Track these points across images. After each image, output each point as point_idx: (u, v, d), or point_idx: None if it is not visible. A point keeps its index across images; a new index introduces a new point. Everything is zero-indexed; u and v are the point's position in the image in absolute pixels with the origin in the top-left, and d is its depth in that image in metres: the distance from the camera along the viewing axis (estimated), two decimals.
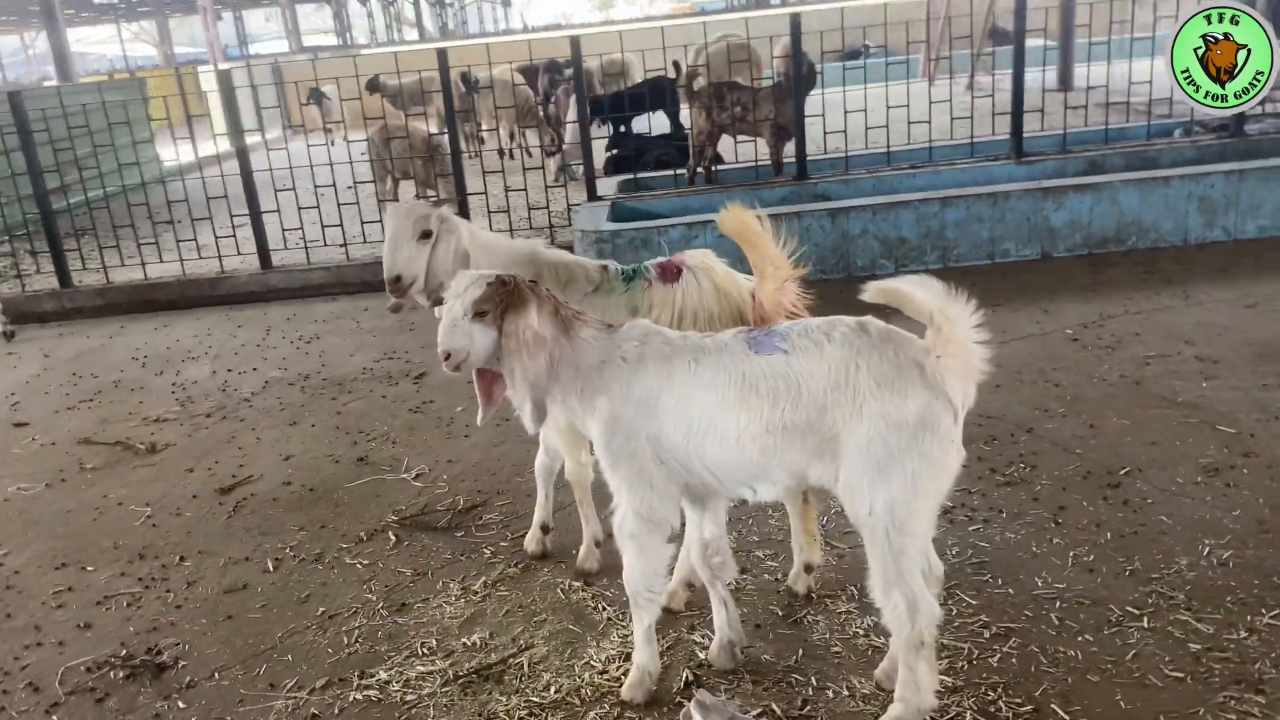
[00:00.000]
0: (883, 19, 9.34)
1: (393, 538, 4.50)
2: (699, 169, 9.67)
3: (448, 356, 3.03)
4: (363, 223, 9.43)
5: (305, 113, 11.95)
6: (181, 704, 3.49)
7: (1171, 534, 3.92)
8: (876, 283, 2.77)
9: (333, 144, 12.26)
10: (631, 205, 8.81)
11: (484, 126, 15.25)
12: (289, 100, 19.05)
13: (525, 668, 3.49)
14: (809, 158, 8.95)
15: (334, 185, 9.27)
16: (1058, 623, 3.46)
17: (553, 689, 3.36)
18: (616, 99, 12.20)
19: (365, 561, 4.32)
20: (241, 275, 9.26)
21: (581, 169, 10.84)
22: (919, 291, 2.67)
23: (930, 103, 8.94)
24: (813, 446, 2.79)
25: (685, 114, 12.45)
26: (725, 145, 9.97)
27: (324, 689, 3.49)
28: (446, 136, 9.28)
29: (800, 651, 3.44)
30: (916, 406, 2.67)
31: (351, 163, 9.56)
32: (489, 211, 9.42)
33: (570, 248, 7.46)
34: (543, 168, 11.63)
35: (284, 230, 9.33)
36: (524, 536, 4.34)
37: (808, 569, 3.71)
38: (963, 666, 3.27)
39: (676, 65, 11.25)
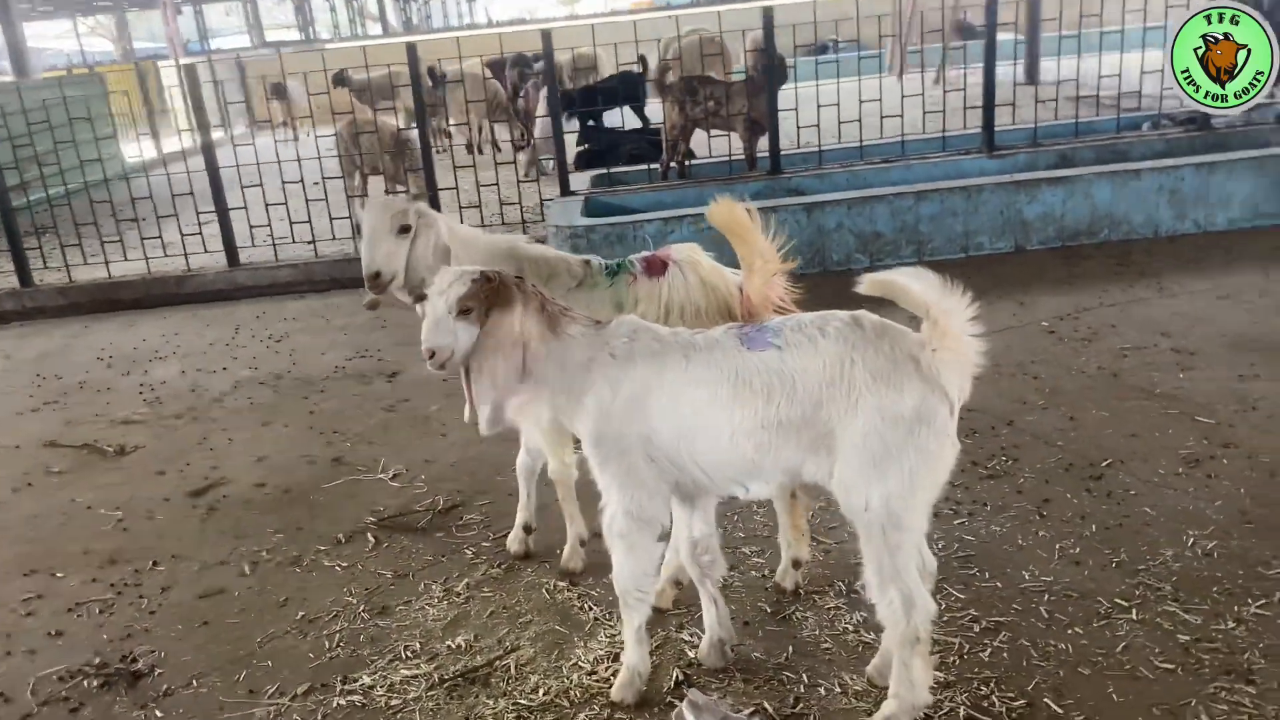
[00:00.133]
0: (851, 13, 9.31)
1: (372, 539, 4.42)
2: (671, 164, 9.64)
3: (432, 355, 2.97)
4: (331, 219, 9.29)
5: (268, 108, 11.80)
6: (159, 713, 3.40)
7: (1155, 525, 3.94)
8: (871, 275, 2.74)
9: (295, 139, 12.11)
10: (605, 200, 8.76)
11: (452, 121, 15.12)
12: (253, 96, 18.80)
13: (512, 670, 3.43)
14: (782, 152, 8.93)
15: (301, 181, 9.14)
16: (1047, 616, 3.45)
17: (541, 691, 3.30)
18: (584, 93, 12.13)
19: (344, 564, 4.24)
20: (208, 273, 9.10)
21: (552, 164, 10.78)
22: (914, 284, 2.64)
23: (903, 96, 8.94)
24: (807, 442, 2.76)
25: (651, 108, 12.47)
26: (698, 140, 9.92)
27: (306, 695, 3.42)
28: (415, 131, 9.17)
29: (790, 648, 3.41)
30: (913, 400, 2.64)
31: (320, 158, 9.41)
32: (460, 207, 9.30)
33: (544, 242, 7.39)
34: (514, 162, 11.53)
35: (251, 228, 9.18)
36: (506, 537, 4.28)
37: (796, 565, 3.69)
38: (954, 661, 3.25)
39: (643, 60, 11.20)
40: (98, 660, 3.70)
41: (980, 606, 3.53)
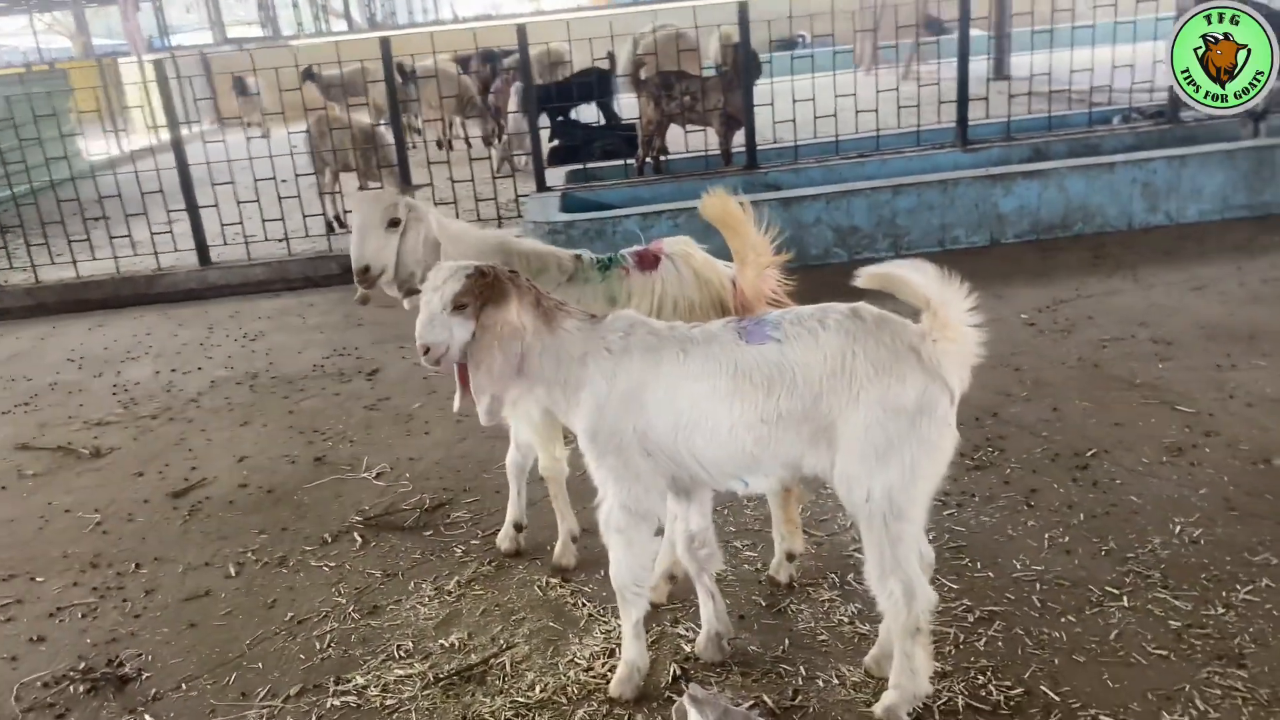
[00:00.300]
0: (818, 8, 9.35)
1: (359, 539, 4.38)
2: (647, 159, 9.62)
3: (427, 351, 2.94)
4: (304, 216, 9.19)
5: (230, 105, 11.64)
6: (149, 717, 3.34)
7: (1142, 513, 3.98)
8: (869, 269, 2.74)
9: (263, 135, 11.98)
10: (582, 196, 8.73)
11: (421, 117, 15.01)
12: (218, 93, 18.55)
13: (508, 667, 3.41)
14: (757, 147, 8.95)
15: (274, 179, 9.03)
16: (1040, 604, 3.48)
17: (538, 688, 3.28)
18: (554, 89, 12.06)
19: (332, 564, 4.19)
20: (179, 272, 8.97)
21: (523, 159, 10.73)
22: (915, 276, 2.65)
23: (877, 91, 8.98)
24: (808, 435, 2.76)
25: (619, 104, 12.44)
26: (674, 135, 9.91)
27: (299, 696, 3.37)
28: (386, 127, 9.09)
29: (787, 641, 3.41)
30: (914, 391, 2.65)
31: (292, 154, 9.31)
32: (435, 203, 9.23)
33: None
34: (489, 158, 11.48)
35: (223, 226, 9.06)
36: (494, 534, 4.25)
37: (790, 558, 3.69)
38: (950, 651, 3.27)
39: (610, 56, 11.17)
40: (83, 665, 3.63)
41: (973, 596, 3.55)
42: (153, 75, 9.01)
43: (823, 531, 4.04)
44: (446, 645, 3.56)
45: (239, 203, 8.99)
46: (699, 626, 3.43)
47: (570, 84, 11.76)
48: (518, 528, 4.13)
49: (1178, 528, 3.84)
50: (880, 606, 2.88)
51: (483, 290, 2.91)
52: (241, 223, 9.07)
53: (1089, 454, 4.48)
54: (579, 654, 3.44)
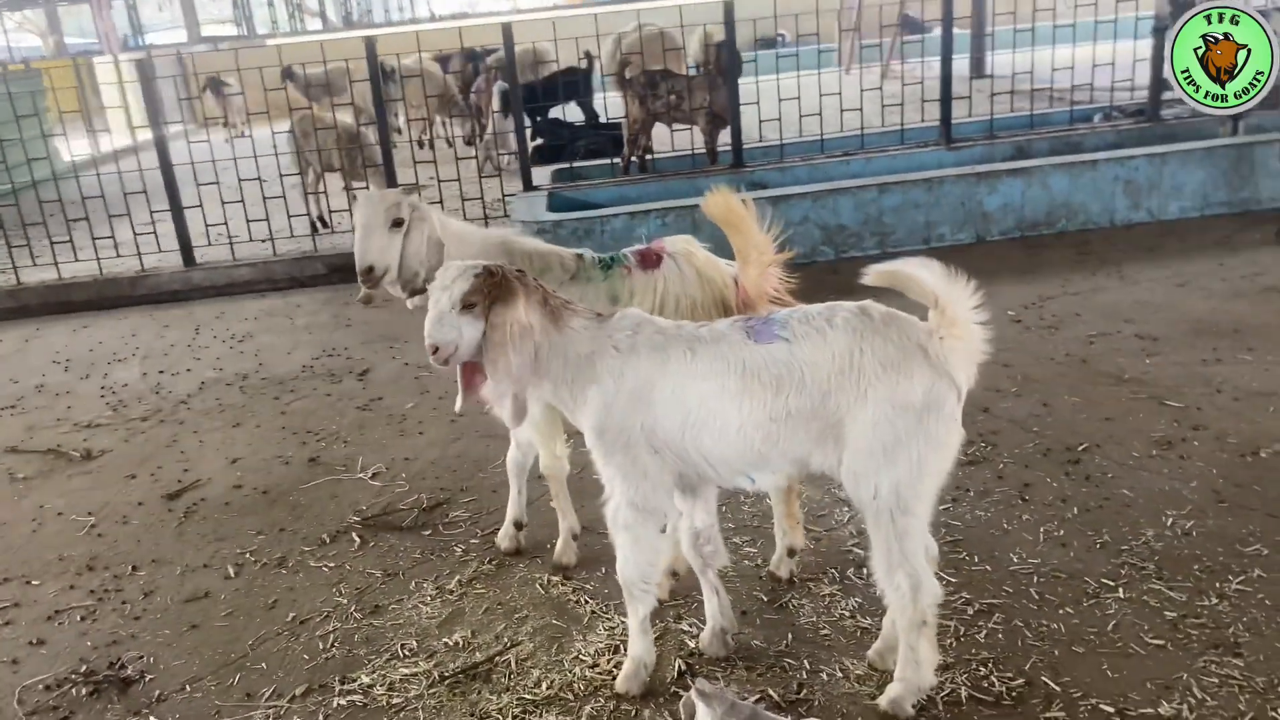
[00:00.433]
0: (797, 7, 9.39)
1: (357, 539, 4.38)
2: (633, 158, 9.64)
3: (435, 350, 2.95)
4: (289, 217, 9.15)
5: (205, 105, 11.57)
6: (154, 719, 3.34)
7: (1135, 506, 4.04)
8: (877, 266, 2.78)
9: (242, 135, 11.91)
10: (568, 195, 8.74)
11: (402, 117, 14.95)
12: (200, 93, 18.40)
13: (513, 665, 3.42)
14: (743, 146, 8.99)
15: (259, 179, 8.99)
16: (1037, 597, 3.53)
17: (544, 685, 3.30)
18: (533, 88, 12.04)
19: (331, 564, 4.19)
20: (163, 273, 8.91)
21: (505, 158, 10.73)
22: (922, 273, 2.69)
23: (862, 90, 9.04)
24: (816, 433, 2.79)
25: (598, 103, 12.44)
26: (659, 134, 9.93)
27: (304, 696, 3.38)
28: (370, 127, 9.07)
29: (790, 636, 3.45)
30: (922, 388, 2.69)
31: (276, 154, 9.27)
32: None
33: None
34: (476, 157, 11.46)
35: (208, 226, 9.01)
36: (493, 533, 4.27)
37: (791, 553, 3.72)
38: (951, 644, 3.31)
39: (589, 55, 11.18)
40: (84, 668, 3.62)
41: (972, 590, 3.60)
42: (133, 75, 8.94)
43: (820, 527, 4.08)
44: (450, 644, 3.57)
45: (223, 203, 8.94)
46: (702, 622, 3.46)
47: (549, 83, 11.76)
48: (518, 526, 4.14)
49: (1170, 520, 3.90)
50: (887, 600, 2.92)
51: (491, 289, 2.93)
52: (226, 223, 9.02)
53: (1080, 448, 4.54)
54: (584, 651, 3.46)
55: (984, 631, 3.37)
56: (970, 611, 3.48)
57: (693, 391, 2.86)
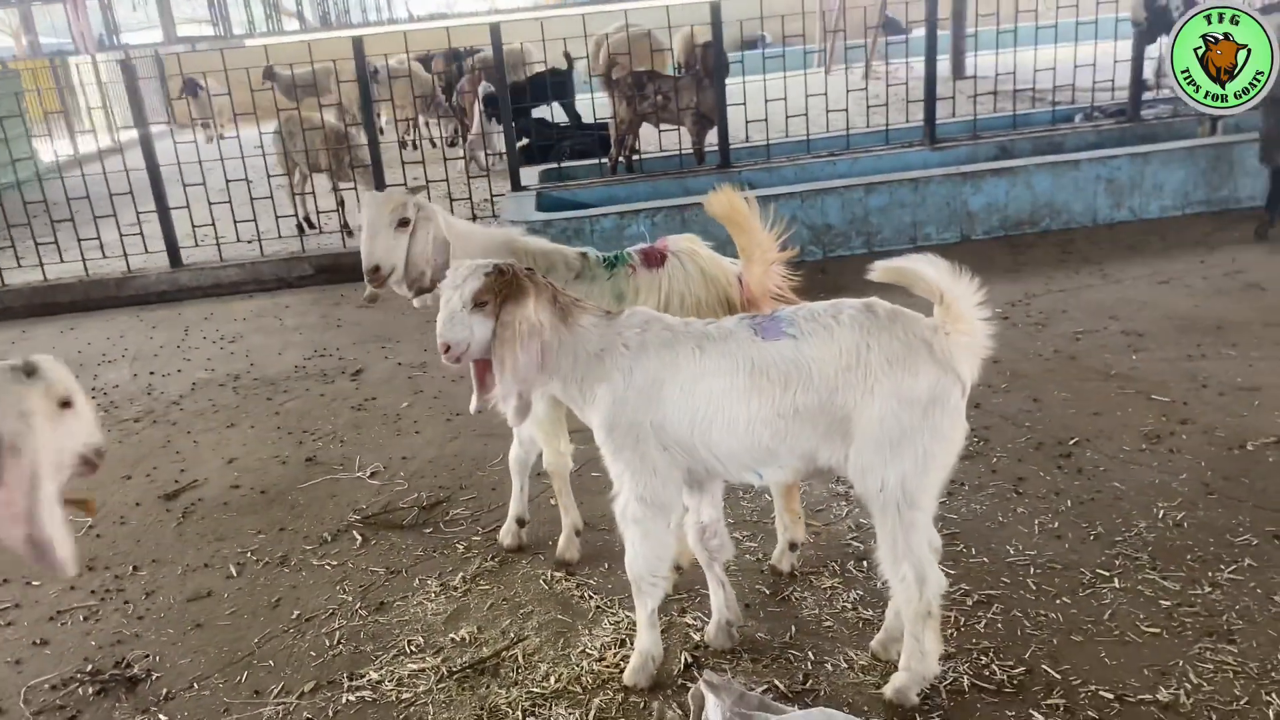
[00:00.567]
0: (779, 10, 9.47)
1: (358, 537, 4.40)
2: (620, 159, 9.68)
3: (448, 349, 2.98)
4: (276, 217, 9.14)
5: (179, 107, 11.52)
6: (163, 717, 3.35)
7: (1126, 499, 4.12)
8: (883, 263, 2.84)
9: (218, 138, 11.88)
10: (557, 195, 8.77)
11: (384, 118, 14.92)
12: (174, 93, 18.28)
13: (520, 659, 3.46)
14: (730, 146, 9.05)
15: (246, 180, 8.97)
16: (1035, 587, 3.60)
17: (552, 679, 3.34)
18: (517, 88, 12.04)
19: (334, 562, 4.22)
20: (150, 274, 8.87)
21: (485, 157, 10.74)
22: (928, 270, 2.75)
23: (847, 91, 9.12)
24: (823, 428, 2.84)
25: (581, 103, 12.45)
26: (646, 134, 9.98)
27: (313, 692, 3.40)
28: (355, 127, 9.07)
29: (793, 628, 3.50)
30: (927, 383, 2.75)
31: (264, 155, 9.26)
32: None
33: None
34: (464, 157, 11.48)
35: (195, 227, 8.98)
36: (495, 530, 4.30)
37: (792, 547, 3.78)
38: (952, 634, 3.37)
39: (568, 56, 11.21)
40: (90, 667, 3.63)
41: (971, 581, 3.66)
42: (110, 76, 8.91)
43: (819, 521, 4.14)
44: (457, 639, 3.60)
45: (210, 204, 8.91)
46: (706, 616, 3.51)
47: (533, 83, 11.78)
48: (520, 523, 4.17)
49: (1161, 512, 3.98)
50: (892, 592, 2.98)
51: (502, 288, 2.96)
52: (214, 224, 9.00)
53: (1071, 442, 4.62)
54: (590, 645, 3.50)
55: (984, 622, 3.43)
56: (970, 602, 3.54)
57: (702, 388, 2.91)
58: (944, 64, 14.10)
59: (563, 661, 3.43)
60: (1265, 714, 2.91)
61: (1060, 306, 6.39)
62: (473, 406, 3.21)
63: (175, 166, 8.84)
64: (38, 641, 3.83)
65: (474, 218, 9.13)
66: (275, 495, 4.88)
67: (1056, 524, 3.98)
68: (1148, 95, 9.63)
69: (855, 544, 3.97)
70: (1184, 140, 8.33)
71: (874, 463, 2.79)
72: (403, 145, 13.71)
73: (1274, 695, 2.97)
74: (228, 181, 8.96)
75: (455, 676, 3.39)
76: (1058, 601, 3.51)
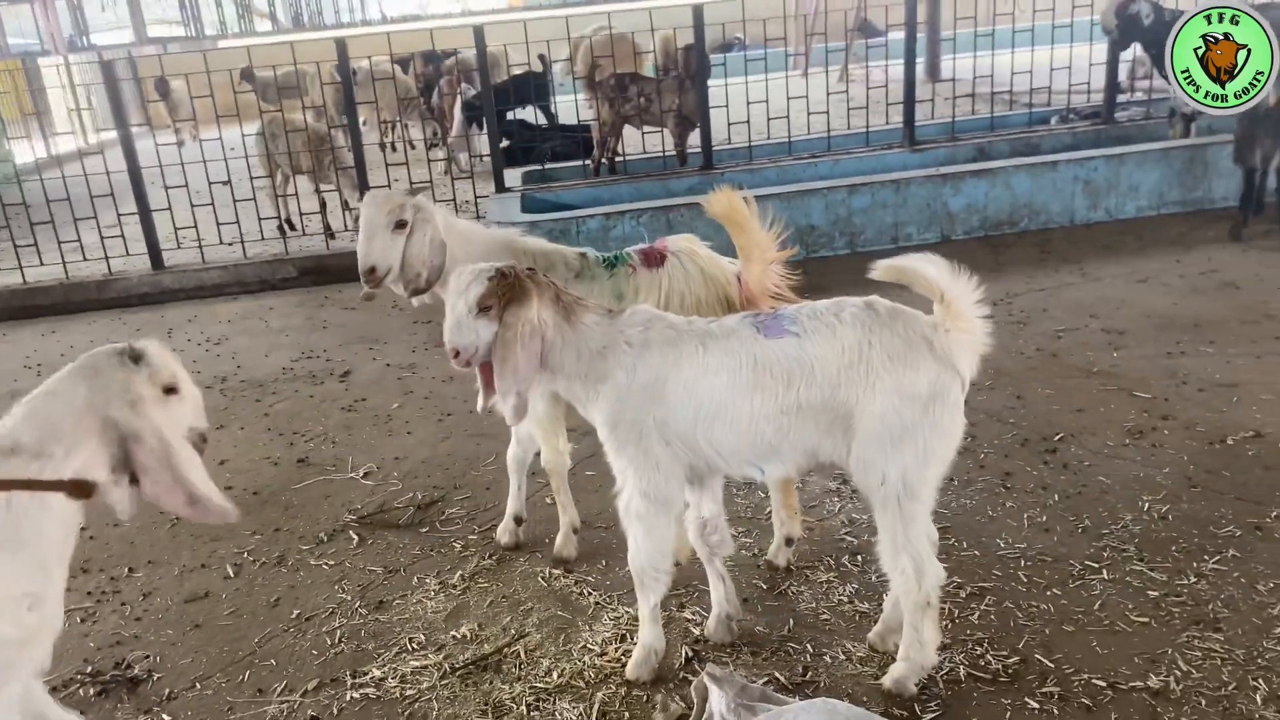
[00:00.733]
0: (758, 13, 9.54)
1: (355, 537, 4.42)
2: (602, 160, 9.72)
3: (456, 354, 3.02)
4: (260, 219, 9.12)
5: (153, 108, 11.46)
6: (166, 716, 3.37)
7: (1112, 493, 4.21)
8: (884, 261, 2.91)
9: (192, 141, 11.79)
10: (541, 197, 8.81)
11: (364, 120, 14.88)
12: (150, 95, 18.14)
13: (522, 655, 3.50)
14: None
15: (229, 182, 8.94)
16: (1026, 580, 3.68)
17: (555, 674, 3.38)
18: (496, 91, 12.04)
19: (331, 562, 4.23)
20: (131, 276, 8.82)
21: (465, 158, 10.75)
22: (928, 268, 2.81)
23: (828, 93, 9.21)
24: (825, 424, 2.90)
25: (560, 105, 12.50)
26: (630, 136, 10.02)
27: (317, 690, 3.42)
28: (340, 129, 9.07)
29: (791, 621, 3.56)
30: (928, 379, 2.81)
31: (247, 157, 9.23)
32: None
33: None
34: (446, 159, 11.48)
35: (176, 229, 8.95)
36: (491, 529, 4.34)
37: (788, 542, 3.84)
38: (947, 625, 3.43)
39: (543, 58, 11.25)
40: (90, 669, 3.63)
41: (963, 574, 3.73)
42: (83, 77, 8.85)
43: (813, 517, 4.20)
44: (458, 636, 3.63)
45: (192, 206, 8.88)
46: (705, 610, 3.57)
47: (509, 85, 11.80)
48: (518, 521, 4.21)
49: (1146, 505, 4.08)
50: (892, 583, 3.04)
51: (505, 291, 3.00)
52: (195, 225, 8.97)
53: (1056, 438, 4.71)
54: (591, 640, 3.54)
55: (977, 613, 3.51)
56: (963, 595, 3.61)
57: (705, 385, 2.96)
58: (919, 67, 14.26)
59: (564, 657, 3.47)
60: (1252, 699, 3.00)
61: (1041, 305, 6.50)
62: (479, 407, 3.25)
63: (156, 168, 8.80)
64: None
65: None
66: (269, 496, 4.89)
67: (1044, 518, 4.07)
68: (1122, 98, 9.80)
69: (849, 539, 4.04)
70: (1158, 142, 8.48)
71: (875, 457, 2.85)
72: (383, 147, 13.70)
73: (1260, 680, 3.06)
74: (209, 183, 8.93)
75: (458, 673, 3.42)
76: (1048, 593, 3.59)
